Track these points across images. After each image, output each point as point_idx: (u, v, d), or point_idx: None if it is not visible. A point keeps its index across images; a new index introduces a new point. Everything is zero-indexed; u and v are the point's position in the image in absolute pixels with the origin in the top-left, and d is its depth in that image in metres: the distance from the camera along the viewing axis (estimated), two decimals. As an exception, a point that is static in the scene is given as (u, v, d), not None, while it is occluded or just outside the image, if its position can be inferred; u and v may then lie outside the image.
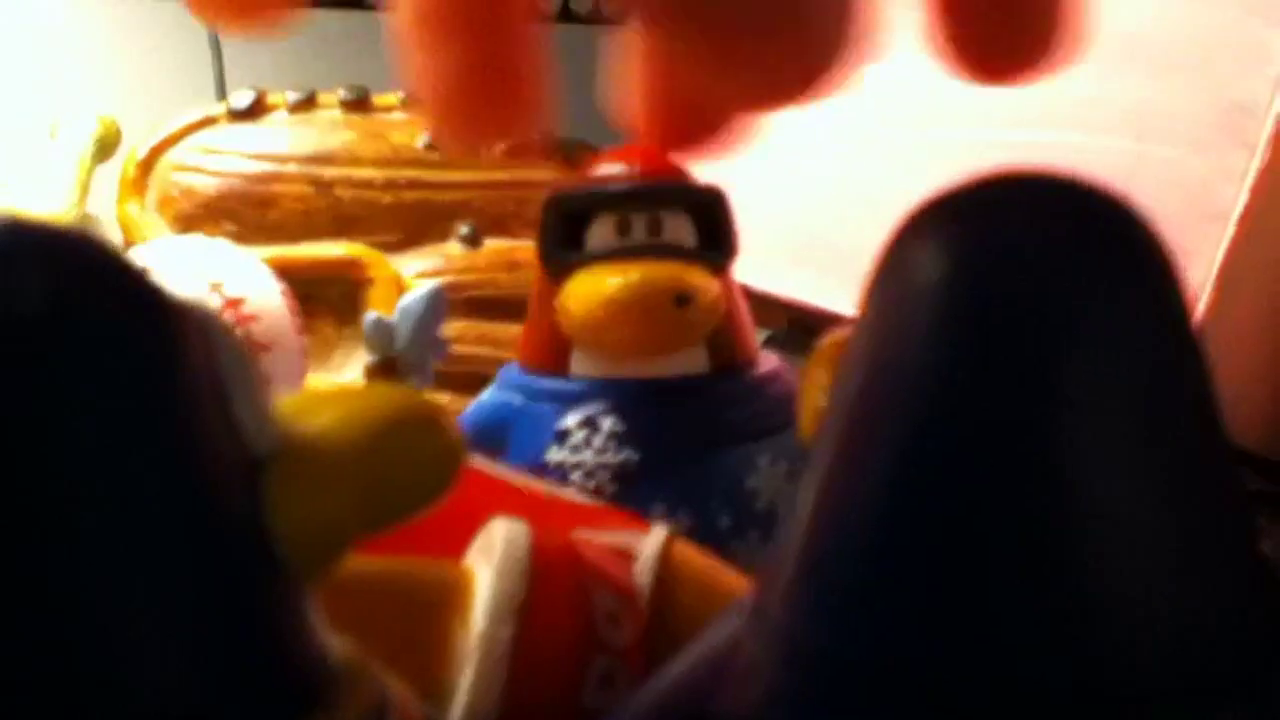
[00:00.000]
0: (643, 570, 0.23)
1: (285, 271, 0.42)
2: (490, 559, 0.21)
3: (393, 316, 0.28)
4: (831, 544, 0.15)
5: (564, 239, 0.29)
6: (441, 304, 0.28)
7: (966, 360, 0.13)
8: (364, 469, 0.15)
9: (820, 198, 0.39)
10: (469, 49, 0.27)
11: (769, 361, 0.31)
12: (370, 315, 0.27)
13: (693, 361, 0.29)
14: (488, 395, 0.31)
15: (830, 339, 0.17)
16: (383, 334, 0.27)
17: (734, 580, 0.23)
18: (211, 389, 0.14)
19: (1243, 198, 0.33)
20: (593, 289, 0.28)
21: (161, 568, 0.13)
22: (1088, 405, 0.13)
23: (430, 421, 0.16)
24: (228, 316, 0.33)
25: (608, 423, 0.28)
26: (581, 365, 0.29)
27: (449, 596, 0.21)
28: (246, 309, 0.34)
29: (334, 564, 0.15)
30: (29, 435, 0.12)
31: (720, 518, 0.28)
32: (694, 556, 0.24)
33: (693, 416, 0.28)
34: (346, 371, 0.46)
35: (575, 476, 0.28)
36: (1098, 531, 0.13)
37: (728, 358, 0.29)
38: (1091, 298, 0.13)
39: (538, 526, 0.22)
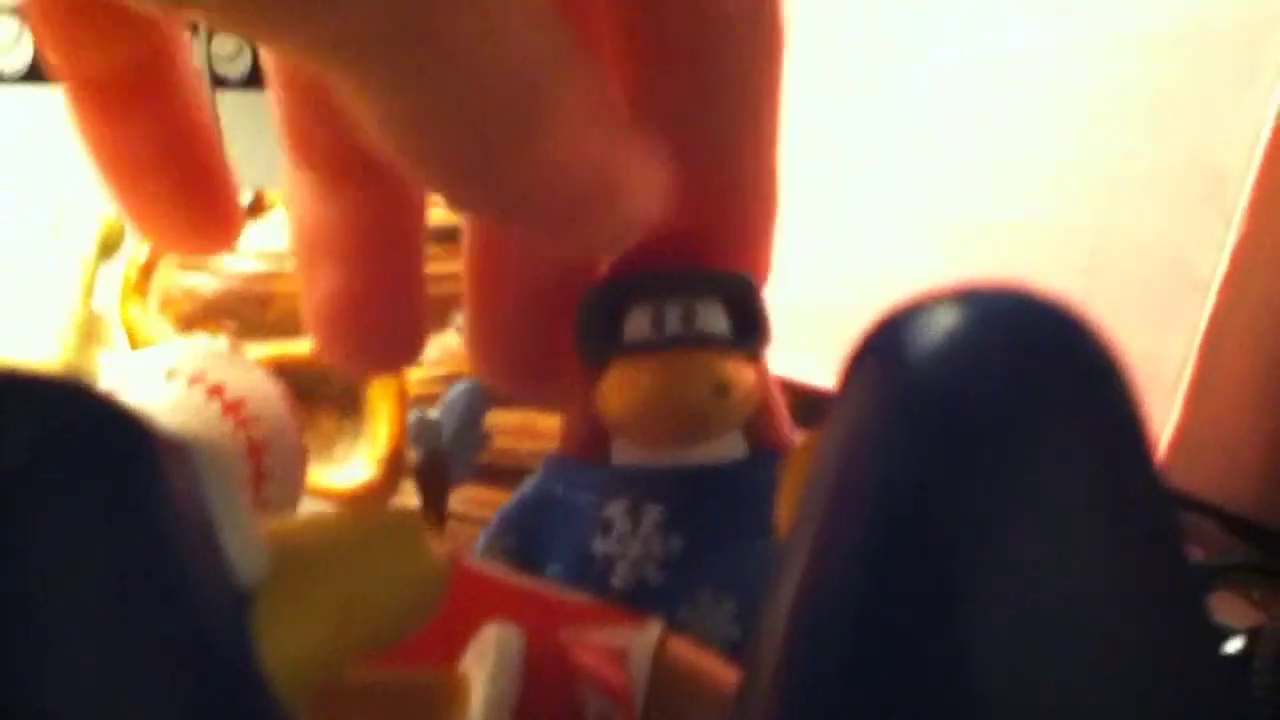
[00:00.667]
0: (636, 670, 0.23)
1: (286, 368, 0.42)
2: (484, 664, 0.21)
3: (435, 413, 0.28)
4: (804, 646, 0.15)
5: (601, 331, 0.29)
6: (481, 398, 0.28)
7: (912, 473, 0.14)
8: (350, 596, 0.16)
9: (804, 279, 0.39)
10: (350, 279, 0.28)
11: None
12: (415, 413, 0.27)
13: (731, 447, 0.29)
14: (529, 485, 0.31)
15: (802, 442, 0.18)
16: (429, 430, 0.28)
17: (729, 678, 0.24)
18: (198, 524, 0.14)
19: (1222, 266, 0.33)
20: (631, 382, 0.28)
21: (149, 706, 0.13)
22: (1035, 510, 0.13)
23: (415, 545, 0.16)
24: (229, 420, 0.34)
25: (652, 511, 0.28)
26: (622, 454, 0.29)
27: (444, 704, 0.21)
28: (246, 412, 0.34)
29: (326, 684, 0.16)
30: (10, 584, 0.12)
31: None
32: (688, 654, 0.24)
33: (734, 501, 0.28)
34: (349, 465, 0.47)
35: (620, 566, 0.28)
36: (1049, 633, 0.13)
37: (764, 441, 0.29)
38: (1036, 410, 0.14)
39: (530, 628, 0.22)
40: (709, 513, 0.28)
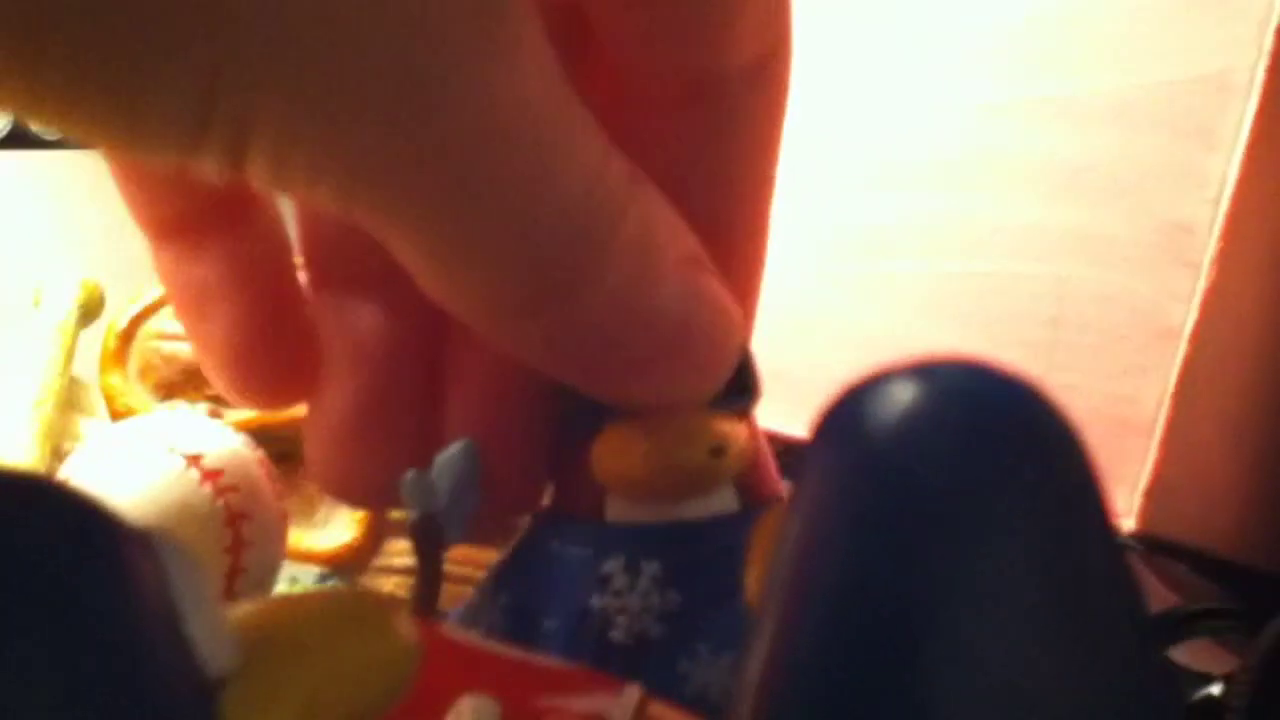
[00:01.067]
0: (615, 735, 0.23)
1: (266, 433, 0.42)
2: (462, 736, 0.21)
3: (430, 472, 0.28)
4: (774, 712, 0.15)
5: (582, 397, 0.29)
6: (476, 458, 0.28)
7: (868, 548, 0.14)
8: (319, 681, 0.16)
9: (774, 330, 0.40)
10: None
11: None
12: (410, 473, 0.27)
13: (724, 501, 0.29)
14: (522, 541, 0.31)
15: (775, 509, 0.18)
16: (423, 490, 0.28)
17: (708, 740, 0.24)
18: (163, 616, 0.14)
19: (1192, 315, 0.34)
20: (628, 444, 0.28)
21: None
22: (988, 588, 0.14)
23: (384, 627, 0.16)
24: (207, 489, 0.34)
25: (649, 567, 0.28)
26: (616, 510, 0.29)
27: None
28: (225, 481, 0.34)
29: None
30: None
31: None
32: (669, 717, 0.24)
33: (729, 555, 0.28)
34: (331, 527, 0.47)
35: (620, 621, 0.28)
36: (1007, 706, 0.13)
37: (755, 494, 0.29)
38: (991, 484, 0.14)
39: (507, 697, 0.22)
40: (705, 567, 0.28)
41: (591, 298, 0.22)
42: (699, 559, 0.28)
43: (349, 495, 0.31)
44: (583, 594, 0.28)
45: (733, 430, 0.28)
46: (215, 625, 0.15)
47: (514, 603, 0.30)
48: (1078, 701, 0.14)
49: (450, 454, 0.28)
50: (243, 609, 0.16)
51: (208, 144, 0.18)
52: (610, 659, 0.27)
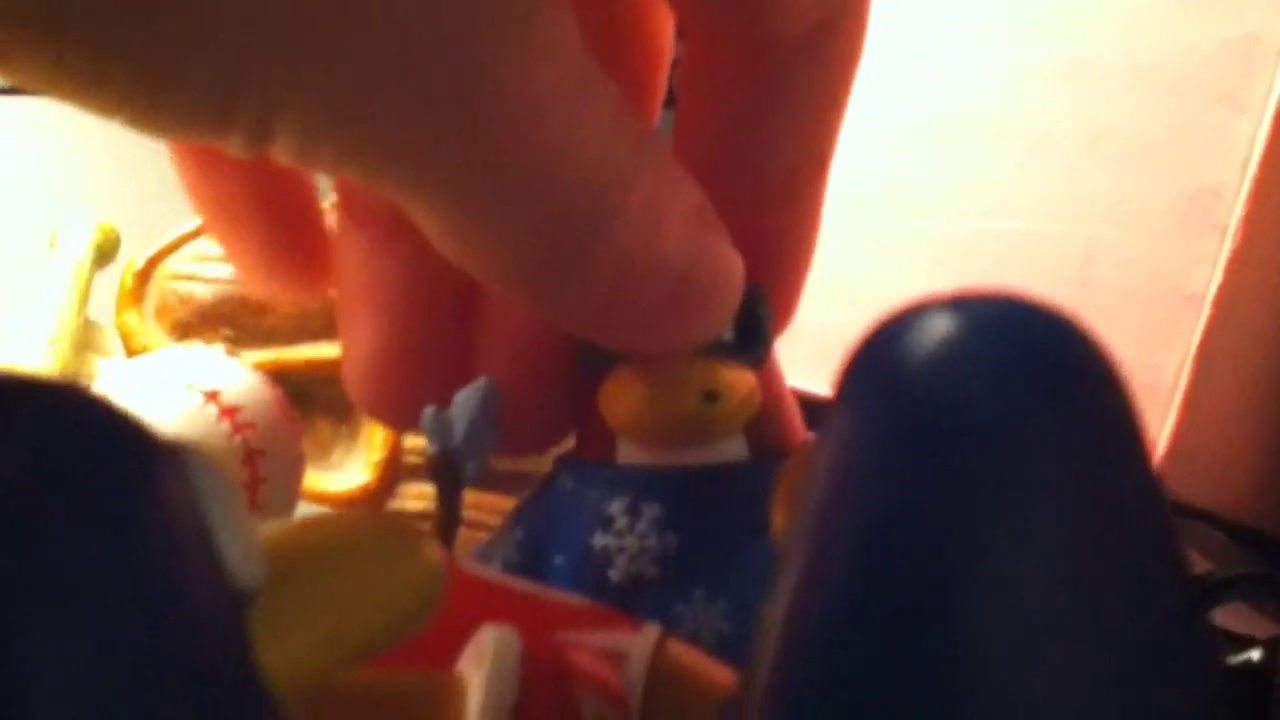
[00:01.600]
0: (633, 672, 0.23)
1: (282, 373, 0.42)
2: (481, 666, 0.21)
3: (449, 410, 0.28)
4: (798, 654, 0.15)
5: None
6: (495, 396, 0.28)
7: (904, 481, 0.14)
8: (346, 601, 0.16)
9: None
10: (390, 335, 0.29)
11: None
12: (428, 410, 0.28)
13: (733, 449, 0.29)
14: (545, 482, 0.32)
15: (798, 448, 0.18)
16: (441, 426, 0.28)
17: (727, 680, 0.24)
18: (195, 529, 0.14)
19: (1216, 279, 0.34)
20: (627, 388, 0.29)
21: (150, 709, 0.13)
22: (1024, 519, 0.14)
23: (410, 549, 0.16)
24: (225, 425, 0.34)
25: (650, 509, 0.29)
26: (626, 454, 0.30)
27: (441, 706, 0.21)
28: (242, 417, 0.34)
29: (325, 687, 0.16)
30: (8, 591, 0.12)
31: (759, 602, 0.28)
32: (686, 657, 0.24)
33: (732, 503, 0.29)
34: (346, 469, 0.47)
35: (619, 560, 0.28)
36: (1044, 641, 0.13)
37: (768, 446, 0.29)
38: (1029, 415, 0.14)
39: (527, 631, 0.22)
40: (705, 513, 0.29)
41: (602, 257, 0.22)
42: (700, 504, 0.29)
43: (385, 422, 0.32)
44: (588, 533, 0.29)
45: (732, 377, 0.28)
46: (245, 539, 0.15)
47: (528, 538, 0.30)
48: (1115, 637, 0.14)
49: (468, 392, 0.28)
50: (271, 528, 0.16)
51: (232, 130, 0.18)
52: (608, 597, 0.27)
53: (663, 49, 0.28)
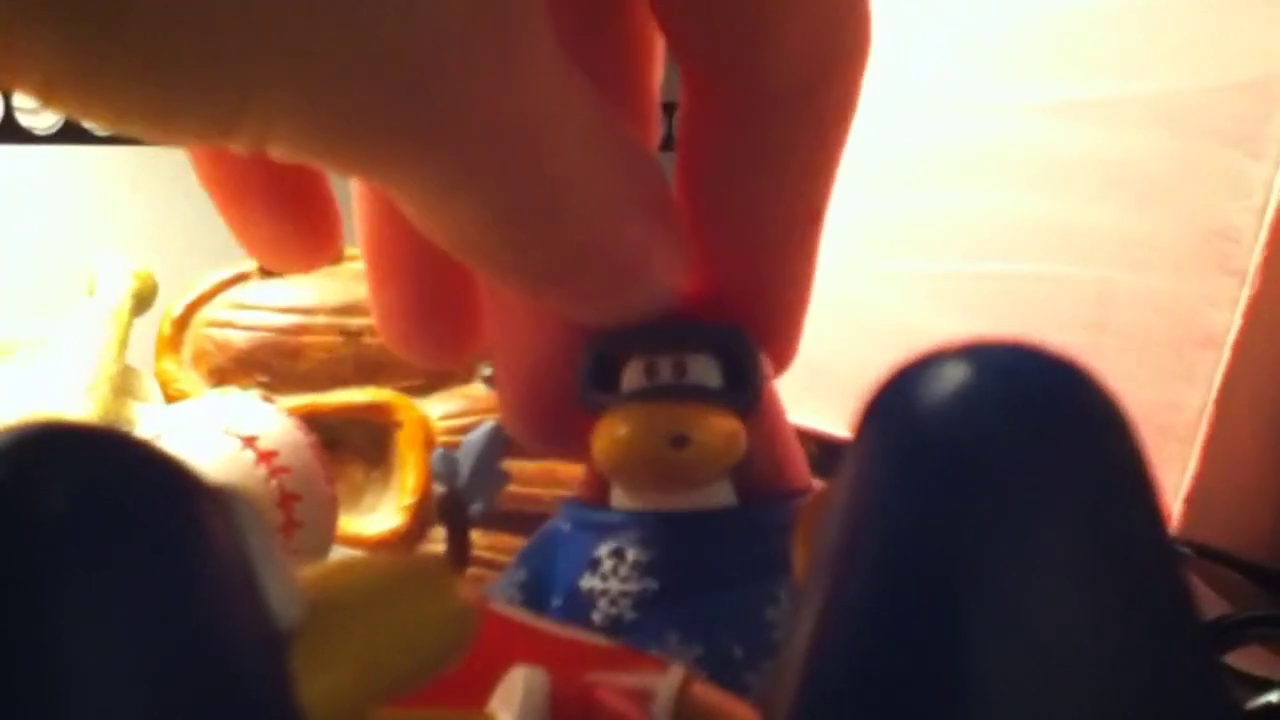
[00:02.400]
0: (659, 712, 0.23)
1: (315, 418, 0.43)
2: (511, 706, 0.22)
3: (456, 452, 0.29)
4: (817, 691, 0.15)
5: (599, 381, 0.30)
6: (501, 440, 0.29)
7: (916, 527, 0.14)
8: (381, 638, 0.16)
9: (818, 330, 0.40)
10: (411, 288, 0.30)
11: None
12: (437, 451, 0.28)
13: (718, 496, 0.29)
14: (546, 525, 0.32)
15: (818, 490, 0.19)
16: (449, 468, 0.29)
17: (751, 718, 0.24)
18: (238, 570, 0.15)
19: (1235, 323, 0.34)
20: (607, 431, 0.29)
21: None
22: (1035, 564, 0.14)
23: (443, 589, 0.17)
24: (261, 469, 0.34)
25: (632, 553, 0.29)
26: (618, 498, 0.30)
27: (473, 745, 0.21)
28: (278, 461, 0.35)
29: (358, 725, 0.16)
30: (52, 632, 0.13)
31: (734, 649, 0.28)
32: (711, 696, 0.25)
33: (713, 548, 0.29)
34: (378, 513, 0.47)
35: (601, 603, 0.29)
36: (1054, 687, 0.14)
37: (757, 491, 0.29)
38: (1039, 464, 0.14)
39: (556, 671, 0.23)
40: (685, 557, 0.29)
41: (558, 241, 0.24)
42: (679, 549, 0.29)
43: (427, 362, 0.34)
44: (578, 574, 0.29)
45: (710, 423, 0.28)
46: (286, 580, 0.16)
47: (530, 579, 0.31)
48: (1127, 678, 0.14)
49: (474, 435, 0.29)
50: (306, 570, 0.17)
51: (237, 137, 0.20)
52: (591, 640, 0.28)
53: (653, 76, 0.30)
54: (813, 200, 0.28)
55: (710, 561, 0.29)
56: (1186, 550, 0.34)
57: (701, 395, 0.29)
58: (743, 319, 0.28)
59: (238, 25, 0.19)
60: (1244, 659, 0.32)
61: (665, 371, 0.29)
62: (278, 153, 0.21)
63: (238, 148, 0.21)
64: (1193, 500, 0.34)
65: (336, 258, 0.31)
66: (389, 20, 0.20)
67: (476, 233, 0.24)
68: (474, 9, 0.21)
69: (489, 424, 0.29)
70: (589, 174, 0.24)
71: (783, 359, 0.30)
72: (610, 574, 0.29)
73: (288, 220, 0.30)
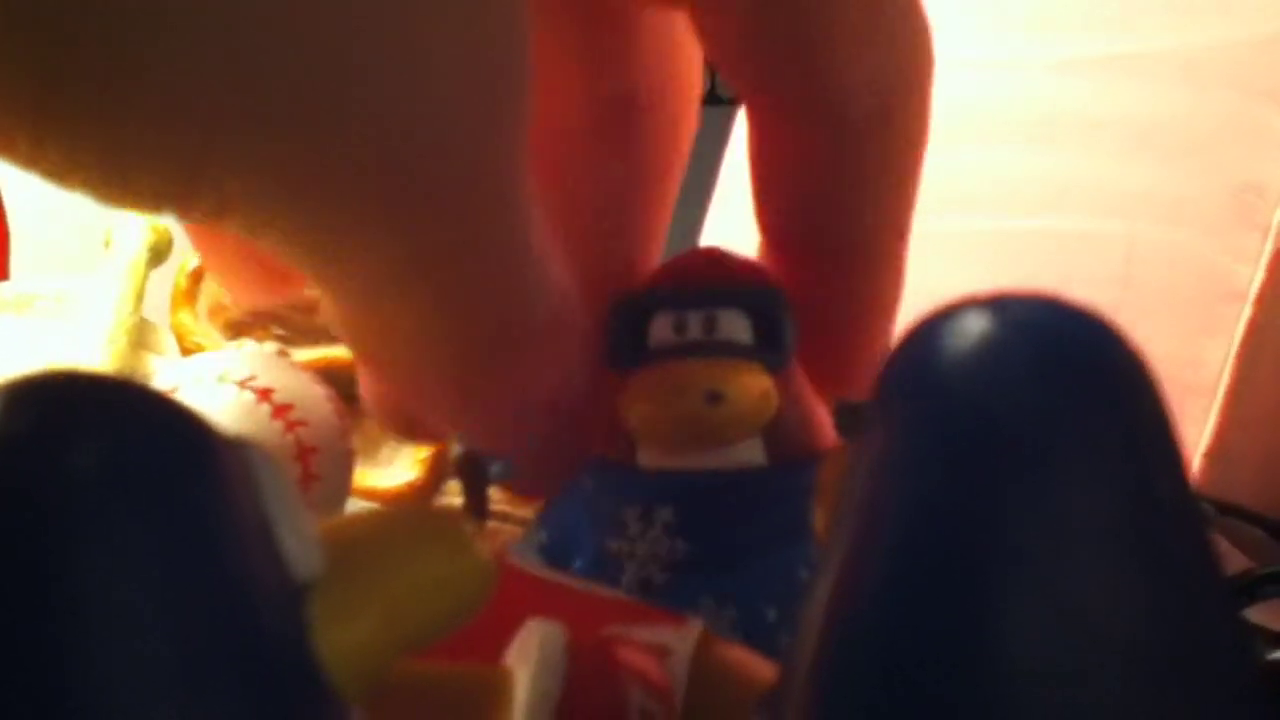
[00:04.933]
0: (677, 667, 0.23)
1: (331, 373, 0.43)
2: (528, 660, 0.22)
3: None
4: (839, 650, 0.15)
5: (627, 338, 0.29)
6: None
7: (940, 482, 0.14)
8: (399, 592, 0.16)
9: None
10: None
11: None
12: None
13: (749, 454, 0.29)
14: (569, 485, 0.32)
15: (841, 447, 0.18)
16: None
17: (769, 675, 0.24)
18: (255, 522, 0.15)
19: (1259, 278, 0.34)
20: (639, 389, 0.28)
21: (214, 697, 0.14)
22: (1058, 519, 0.14)
23: (462, 542, 0.17)
24: (277, 423, 0.34)
25: (661, 514, 0.29)
26: (645, 457, 0.29)
27: (489, 698, 0.21)
28: (294, 415, 0.35)
29: (376, 678, 0.16)
30: (78, 584, 0.13)
31: (767, 610, 0.28)
32: (729, 652, 0.25)
33: (744, 509, 0.29)
34: (395, 466, 0.47)
35: (629, 565, 0.28)
36: (1077, 640, 0.14)
37: (787, 451, 0.29)
38: (1064, 418, 0.14)
39: (574, 625, 0.23)
40: (717, 519, 0.29)
41: (489, 338, 0.24)
42: (711, 510, 0.29)
43: (405, 438, 0.33)
44: (603, 536, 0.29)
45: (744, 380, 0.28)
46: (303, 532, 0.16)
47: (551, 540, 0.30)
48: (1150, 633, 0.14)
49: None
50: (325, 522, 0.17)
51: (192, 209, 0.19)
52: (619, 602, 0.27)
53: (695, 88, 0.29)
54: (898, 217, 0.28)
55: (743, 522, 0.29)
56: (1208, 506, 0.34)
57: (733, 352, 0.28)
58: (835, 334, 0.28)
59: (195, 85, 0.17)
60: (1265, 614, 0.32)
61: (695, 327, 0.29)
62: (234, 226, 0.20)
63: (195, 217, 0.20)
64: (1214, 456, 0.34)
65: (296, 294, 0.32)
66: (383, 104, 0.19)
67: (410, 324, 0.23)
68: (466, 93, 0.20)
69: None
70: (531, 275, 0.23)
71: (869, 371, 0.30)
72: (638, 536, 0.29)
73: (256, 262, 0.30)
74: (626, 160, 0.29)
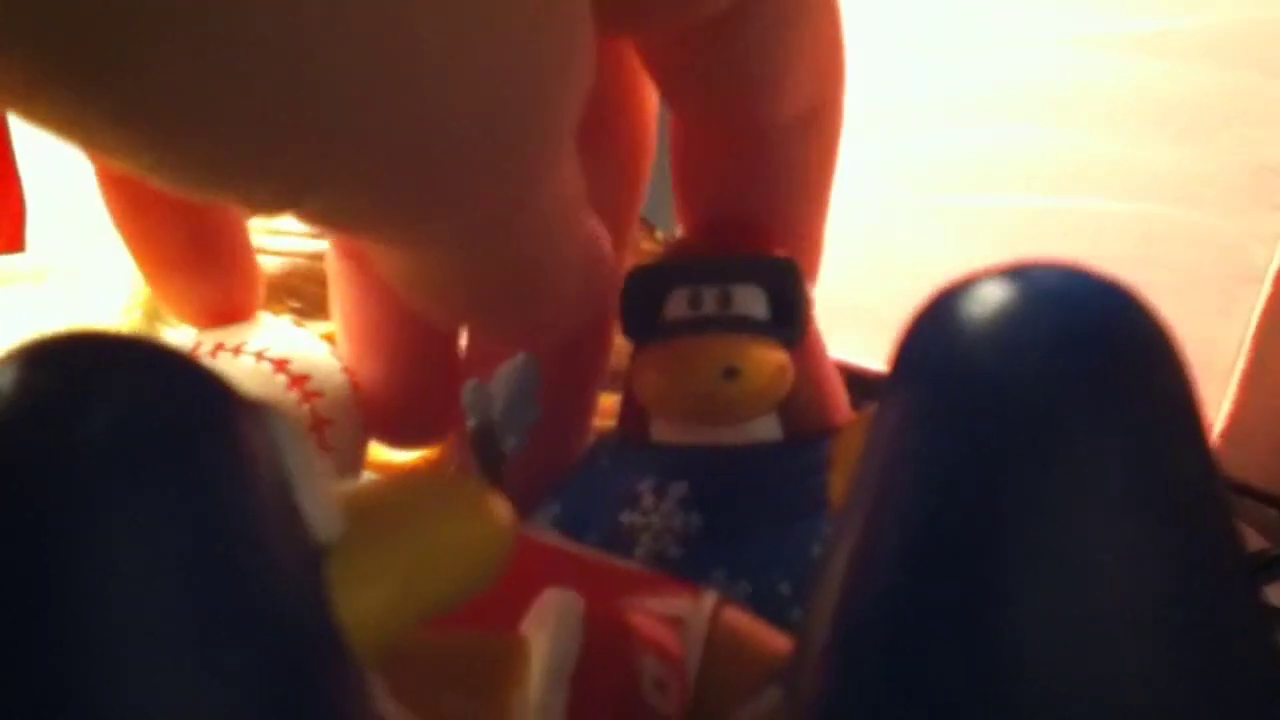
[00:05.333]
0: (691, 637, 0.23)
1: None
2: (544, 629, 0.22)
3: (489, 385, 0.29)
4: (853, 621, 0.15)
5: (642, 313, 0.29)
6: (535, 372, 0.29)
7: (960, 449, 0.14)
8: (418, 557, 0.16)
9: (857, 262, 0.40)
10: (389, 370, 0.31)
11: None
12: (470, 383, 0.28)
13: (765, 430, 0.29)
14: (582, 459, 0.32)
15: (860, 415, 0.18)
16: (482, 400, 0.28)
17: (783, 646, 0.24)
18: (275, 484, 0.15)
19: (1276, 258, 0.33)
20: (653, 363, 0.29)
21: (234, 658, 0.14)
22: (1076, 492, 0.14)
23: (480, 509, 0.17)
24: (293, 394, 0.34)
25: (676, 489, 0.29)
26: (659, 432, 0.30)
27: (506, 665, 0.21)
28: (310, 386, 0.35)
29: (394, 644, 0.16)
30: (99, 544, 0.13)
31: (780, 585, 0.28)
32: (742, 623, 0.25)
33: (759, 484, 0.29)
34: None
35: (643, 539, 0.29)
36: (1095, 608, 0.14)
37: (803, 426, 0.29)
38: (1085, 385, 0.14)
39: (589, 595, 0.23)
40: (731, 493, 0.29)
41: (525, 302, 0.25)
42: (725, 485, 0.29)
43: (397, 446, 0.35)
44: (617, 510, 0.29)
45: (759, 356, 0.28)
46: (323, 495, 0.16)
47: (564, 513, 0.31)
48: (1168, 608, 0.14)
49: (509, 367, 0.29)
50: (344, 486, 0.17)
51: (293, 214, 0.20)
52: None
53: (650, 122, 0.31)
54: (815, 204, 0.30)
55: (756, 497, 0.29)
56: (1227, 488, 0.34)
57: (748, 327, 0.28)
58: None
59: (306, 114, 0.17)
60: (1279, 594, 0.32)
61: (710, 302, 0.29)
62: (303, 216, 0.20)
63: (261, 205, 0.20)
64: (1229, 437, 0.34)
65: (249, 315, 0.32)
66: (464, 125, 0.19)
67: (455, 290, 0.24)
68: (541, 106, 0.20)
69: (523, 357, 0.29)
70: (568, 246, 0.25)
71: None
72: (652, 509, 0.29)
73: (205, 281, 0.30)
74: (596, 158, 0.29)
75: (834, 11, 0.27)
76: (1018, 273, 0.15)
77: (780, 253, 0.29)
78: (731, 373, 0.27)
